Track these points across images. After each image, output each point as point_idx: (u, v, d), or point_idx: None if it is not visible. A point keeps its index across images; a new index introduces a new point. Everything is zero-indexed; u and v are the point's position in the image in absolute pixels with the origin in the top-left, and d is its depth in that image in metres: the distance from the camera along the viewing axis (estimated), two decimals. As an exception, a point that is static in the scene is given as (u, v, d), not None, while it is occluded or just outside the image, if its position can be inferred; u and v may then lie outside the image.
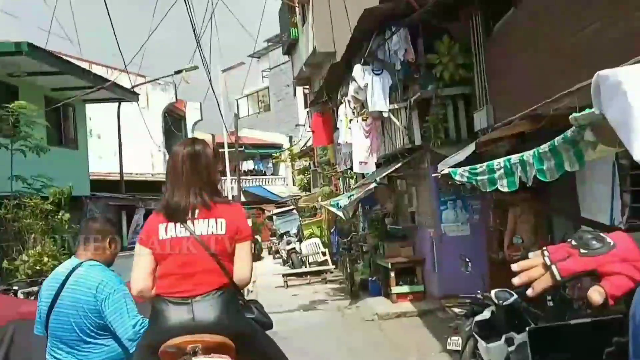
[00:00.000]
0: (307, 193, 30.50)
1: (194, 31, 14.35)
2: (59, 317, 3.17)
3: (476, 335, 5.38)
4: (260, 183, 37.37)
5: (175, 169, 2.86)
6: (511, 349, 4.98)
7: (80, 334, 3.15)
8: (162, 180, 25.11)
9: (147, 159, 24.11)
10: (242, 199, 33.92)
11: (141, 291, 2.81)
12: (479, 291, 5.41)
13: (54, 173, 12.19)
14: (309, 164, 30.93)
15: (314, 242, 17.54)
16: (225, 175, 34.63)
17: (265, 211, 29.34)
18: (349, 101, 11.16)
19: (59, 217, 10.81)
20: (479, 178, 4.09)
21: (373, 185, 10.43)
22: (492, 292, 5.21)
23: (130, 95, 17.92)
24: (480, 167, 4.08)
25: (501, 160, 3.83)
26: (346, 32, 12.03)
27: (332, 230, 16.89)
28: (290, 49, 24.87)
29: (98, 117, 20.41)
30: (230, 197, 33.96)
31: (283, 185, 37.24)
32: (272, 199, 33.06)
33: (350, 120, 11.25)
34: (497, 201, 9.91)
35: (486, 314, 5.28)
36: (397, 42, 9.45)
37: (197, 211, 2.79)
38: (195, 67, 17.40)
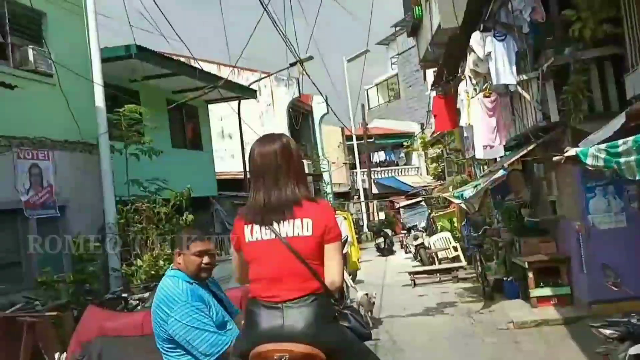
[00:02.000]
0: (441, 182, 28.84)
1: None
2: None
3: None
4: (392, 174, 36.24)
5: (262, 166, 2.68)
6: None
7: (158, 346, 3.29)
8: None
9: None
10: (375, 190, 33.07)
11: (236, 276, 2.87)
12: (634, 314, 3.93)
13: (179, 175, 12.23)
14: (441, 151, 29.23)
15: (444, 237, 16.06)
16: (356, 168, 34.06)
17: (395, 203, 28.14)
18: (469, 77, 9.65)
19: (183, 219, 10.71)
20: (622, 160, 2.73)
21: (501, 172, 8.87)
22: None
23: (248, 92, 17.68)
24: (624, 143, 2.71)
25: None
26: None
27: (464, 223, 15.32)
28: (415, 29, 23.34)
29: (230, 117, 20.47)
30: (361, 190, 33.38)
31: (416, 175, 35.75)
32: (404, 189, 31.77)
33: (472, 98, 9.74)
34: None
35: None
36: (521, 0, 7.84)
37: (282, 211, 2.61)
38: (311, 58, 16.69)
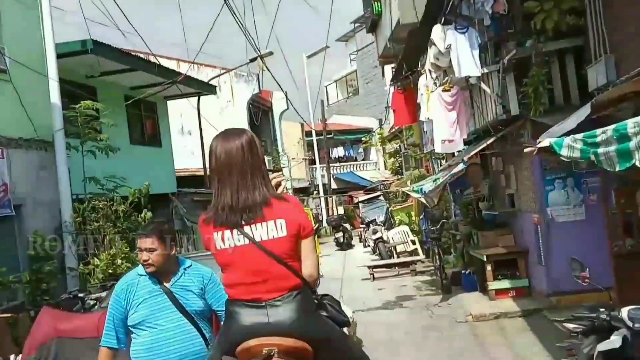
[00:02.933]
0: (399, 177, 28.80)
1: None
2: None
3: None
4: (351, 169, 36.10)
5: (226, 163, 2.47)
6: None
7: None
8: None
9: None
10: (334, 186, 32.82)
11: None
12: (603, 309, 3.69)
13: (137, 172, 11.72)
14: (399, 146, 29.20)
15: (402, 230, 15.88)
16: (315, 164, 33.73)
17: (354, 198, 27.97)
18: (429, 70, 9.40)
19: (141, 216, 10.27)
20: (600, 150, 2.47)
21: (460, 166, 8.65)
22: (624, 311, 3.50)
23: (208, 88, 17.10)
24: (603, 132, 2.46)
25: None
26: None
27: (422, 216, 15.16)
28: (374, 25, 23.14)
29: (190, 113, 19.83)
30: (321, 185, 33.09)
31: (375, 170, 35.68)
32: (363, 184, 31.64)
33: (432, 92, 9.50)
34: (623, 177, 7.88)
35: (615, 341, 3.55)
36: (484, -9, 7.61)
37: (253, 213, 2.45)
38: (271, 53, 16.20)
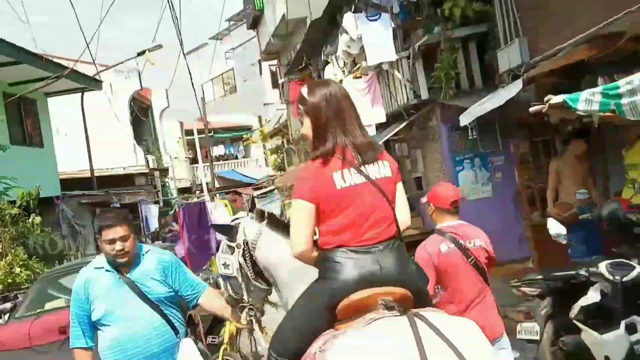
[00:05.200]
0: (282, 173, 28.77)
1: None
2: None
3: (582, 326, 3.83)
4: (232, 167, 35.52)
5: (332, 107, 2.39)
6: (635, 337, 3.49)
7: None
8: (135, 173, 23.21)
9: (117, 152, 21.90)
10: (217, 184, 32.05)
11: (304, 252, 2.42)
12: (582, 267, 3.84)
13: (20, 174, 10.49)
14: (282, 142, 29.20)
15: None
16: (196, 163, 32.72)
17: (243, 195, 27.53)
18: (339, 58, 9.39)
19: (29, 221, 9.24)
20: (624, 102, 2.52)
21: (377, 150, 8.73)
22: (602, 267, 3.68)
23: (93, 83, 15.81)
24: (627, 83, 2.52)
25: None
26: None
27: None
28: (255, 22, 22.89)
29: (62, 115, 18.20)
30: (204, 184, 32.19)
31: (256, 167, 35.43)
32: (246, 182, 31.26)
33: (341, 80, 9.49)
34: (523, 154, 8.41)
35: (594, 296, 3.71)
36: (395, -22, 7.72)
37: (368, 152, 2.38)
38: (159, 47, 15.38)
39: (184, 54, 10.92)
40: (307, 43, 11.47)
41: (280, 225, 3.01)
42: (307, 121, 2.47)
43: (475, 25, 7.92)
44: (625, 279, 3.42)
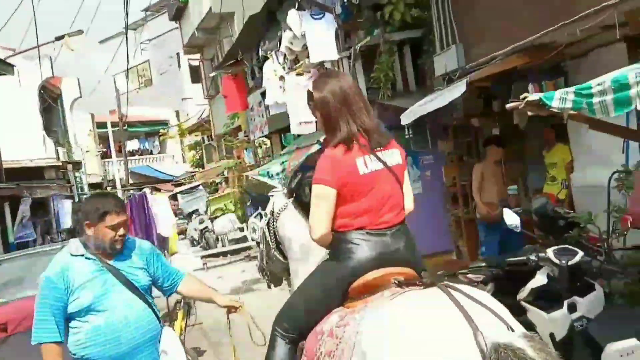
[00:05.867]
0: (201, 169, 28.40)
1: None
2: None
3: (528, 306, 4.28)
4: (147, 162, 34.52)
5: (346, 97, 2.57)
6: (575, 315, 3.96)
7: None
8: (44, 166, 22.02)
9: (25, 143, 20.69)
10: (130, 180, 31.07)
11: (323, 237, 2.57)
12: (534, 254, 4.27)
13: None
14: (202, 138, 28.82)
15: (229, 218, 15.84)
16: (107, 157, 31.52)
17: (162, 191, 26.97)
18: (280, 54, 9.57)
19: None
20: (595, 101, 2.86)
21: (316, 147, 9.01)
22: (550, 252, 4.13)
23: (4, 67, 14.88)
24: (599, 84, 2.85)
25: (643, 69, 2.63)
26: None
27: (249, 202, 15.29)
28: (178, 13, 22.46)
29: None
30: (117, 180, 31.07)
31: (173, 163, 34.65)
32: (162, 178, 30.50)
33: (281, 77, 9.68)
34: (449, 154, 9.00)
35: (541, 279, 4.15)
36: (340, -20, 8.01)
37: (382, 139, 2.56)
38: (80, 32, 14.80)
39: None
40: (242, 38, 11.54)
41: (304, 205, 3.09)
42: (318, 115, 2.66)
43: (411, 30, 8.36)
44: (570, 263, 3.87)
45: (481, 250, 7.81)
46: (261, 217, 3.48)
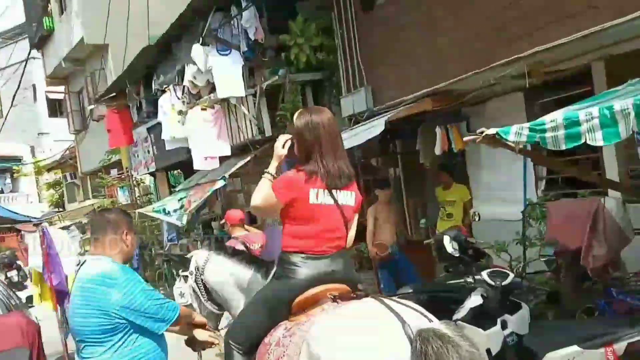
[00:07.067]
0: (60, 209, 26.48)
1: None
2: (72, 321, 2.96)
3: (466, 325, 4.69)
4: (-2, 203, 31.43)
5: (330, 133, 2.93)
6: (506, 332, 4.44)
7: (82, 336, 2.88)
8: None
9: None
10: (-25, 222, 28.06)
11: (256, 206, 3.03)
12: (469, 276, 4.70)
13: None
14: (62, 176, 27.02)
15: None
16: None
17: (23, 232, 24.64)
18: (179, 88, 9.50)
19: None
20: (548, 135, 3.28)
21: (221, 183, 9.00)
22: (485, 274, 4.59)
23: None
24: (551, 121, 3.29)
25: (593, 109, 3.12)
26: (123, 20, 10.50)
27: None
28: (42, 42, 21.23)
29: None
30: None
31: (27, 202, 31.89)
32: (18, 219, 27.86)
33: (180, 111, 9.59)
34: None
35: (477, 299, 4.59)
36: (249, 19, 8.24)
37: (343, 181, 2.97)
38: None
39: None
40: (131, 70, 11.26)
41: (226, 251, 3.70)
42: (295, 141, 3.05)
43: (315, 72, 8.78)
44: (504, 283, 4.33)
45: (381, 287, 8.20)
46: (184, 279, 3.79)
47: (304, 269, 2.91)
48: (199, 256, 3.71)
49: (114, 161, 17.39)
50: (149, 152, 12.63)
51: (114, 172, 19.42)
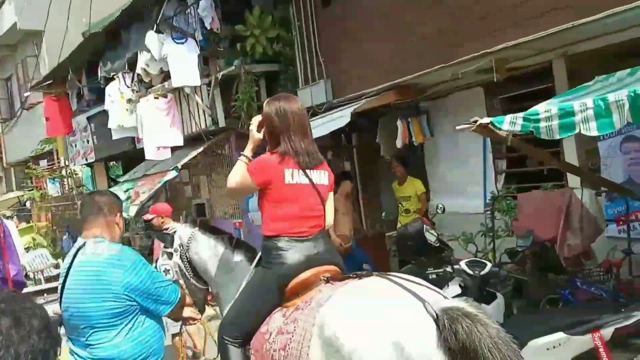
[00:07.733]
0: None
1: None
2: (69, 306, 2.78)
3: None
4: None
5: (294, 119, 2.95)
6: (482, 320, 4.50)
7: (92, 322, 2.74)
8: None
9: None
10: None
11: (231, 188, 3.06)
12: (450, 266, 4.73)
13: None
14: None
15: (41, 254, 14.07)
16: None
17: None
18: (128, 76, 9.07)
19: None
20: (542, 125, 3.30)
21: (173, 174, 8.67)
22: (463, 264, 4.63)
23: None
24: (546, 111, 3.31)
25: (587, 100, 3.17)
26: (57, 7, 10.09)
27: (66, 234, 13.86)
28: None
29: None
30: None
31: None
32: None
33: (129, 99, 9.17)
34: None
35: (455, 289, 4.63)
36: (205, 7, 7.98)
37: (315, 160, 3.00)
38: None
39: None
40: (74, 56, 10.66)
41: (210, 229, 3.60)
42: (265, 127, 3.04)
43: (271, 63, 8.63)
44: (482, 273, 4.37)
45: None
46: (169, 256, 3.64)
47: (290, 253, 2.87)
48: (183, 233, 3.59)
49: (46, 151, 16.50)
50: (88, 142, 12.05)
51: (43, 163, 18.45)
